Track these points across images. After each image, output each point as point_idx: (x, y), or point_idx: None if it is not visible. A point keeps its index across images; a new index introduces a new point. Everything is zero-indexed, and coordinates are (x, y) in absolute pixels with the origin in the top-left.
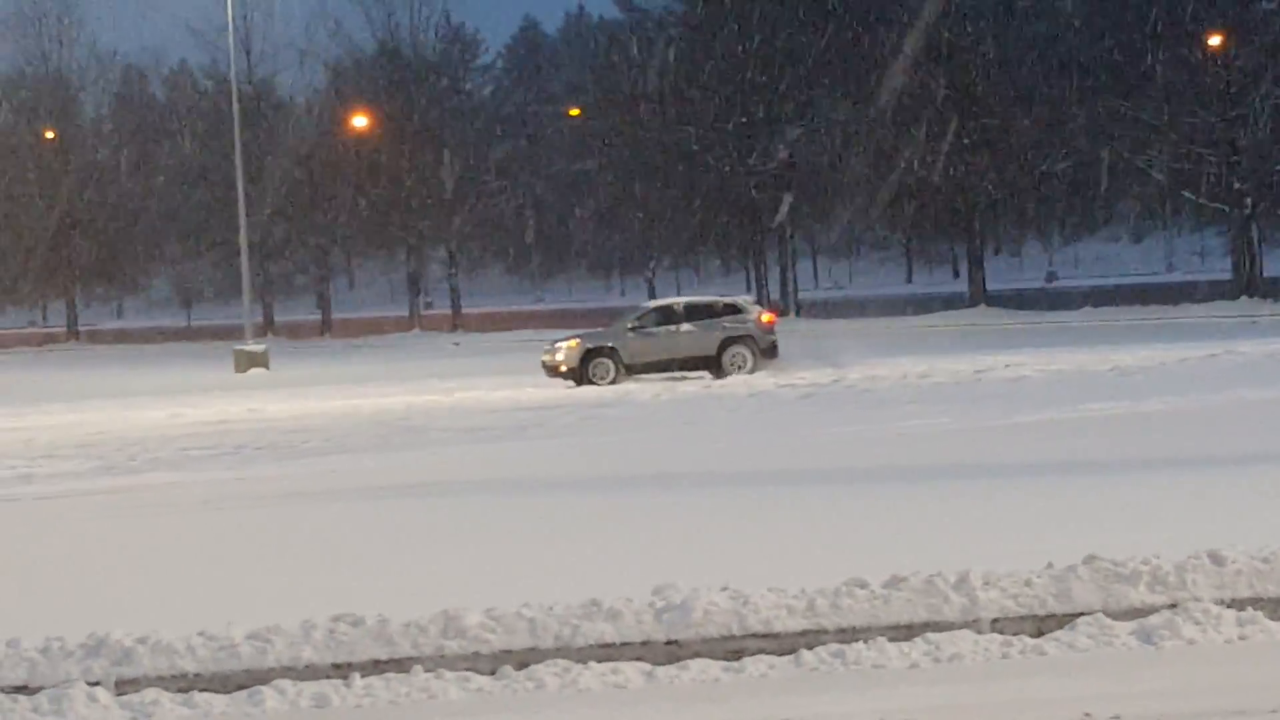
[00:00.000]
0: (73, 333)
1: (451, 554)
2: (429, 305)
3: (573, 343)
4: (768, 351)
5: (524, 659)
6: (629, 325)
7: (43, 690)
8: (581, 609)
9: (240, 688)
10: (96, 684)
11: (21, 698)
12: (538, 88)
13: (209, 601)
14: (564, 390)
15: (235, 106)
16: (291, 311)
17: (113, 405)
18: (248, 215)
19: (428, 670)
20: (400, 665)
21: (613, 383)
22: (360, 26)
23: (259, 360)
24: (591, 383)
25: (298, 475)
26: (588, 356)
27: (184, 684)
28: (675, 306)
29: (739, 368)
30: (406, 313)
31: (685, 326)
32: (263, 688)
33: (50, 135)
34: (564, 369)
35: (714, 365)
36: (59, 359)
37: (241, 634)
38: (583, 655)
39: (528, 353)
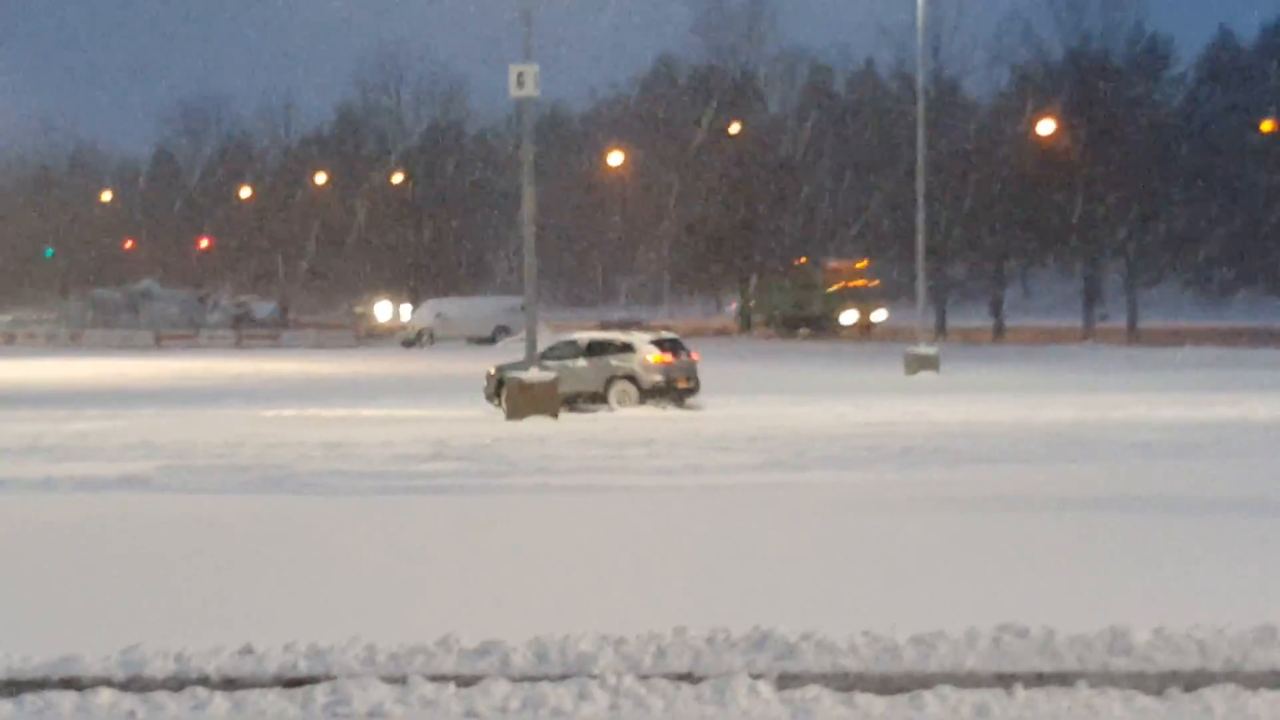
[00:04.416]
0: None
1: (1121, 569)
2: (1104, 317)
3: (491, 369)
4: (650, 391)
5: (1191, 681)
6: (540, 356)
7: (706, 680)
8: (1254, 633)
9: (900, 691)
10: (759, 677)
11: (685, 685)
12: (1229, 99)
13: (871, 602)
14: (1232, 410)
15: (920, 106)
16: (964, 316)
17: (782, 400)
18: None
19: (1092, 686)
20: (1064, 679)
21: None
22: (1049, 30)
23: (929, 363)
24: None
25: (963, 481)
26: (500, 385)
27: (845, 683)
28: (579, 341)
29: (621, 403)
30: (1080, 323)
31: (581, 362)
32: (924, 692)
33: (735, 130)
34: (486, 395)
35: (603, 399)
36: (734, 352)
37: (905, 636)
38: (1252, 681)
39: (1207, 370)
